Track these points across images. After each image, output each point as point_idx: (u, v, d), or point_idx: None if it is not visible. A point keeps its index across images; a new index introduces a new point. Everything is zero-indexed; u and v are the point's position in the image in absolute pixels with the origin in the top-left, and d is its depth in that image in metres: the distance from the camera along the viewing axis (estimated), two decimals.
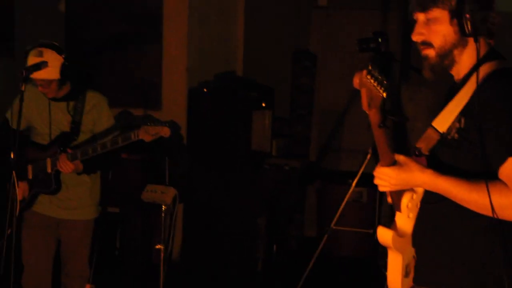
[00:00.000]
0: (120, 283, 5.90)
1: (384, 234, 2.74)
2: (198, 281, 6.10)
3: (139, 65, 6.34)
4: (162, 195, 4.67)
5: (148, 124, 4.41)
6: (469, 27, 2.59)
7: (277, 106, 6.86)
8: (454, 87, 2.70)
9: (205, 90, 6.29)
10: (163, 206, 4.66)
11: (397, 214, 2.76)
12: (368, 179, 5.11)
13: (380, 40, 4.75)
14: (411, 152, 2.71)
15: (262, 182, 6.50)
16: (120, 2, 6.37)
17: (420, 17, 2.68)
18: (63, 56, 4.33)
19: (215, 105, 6.27)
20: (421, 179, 2.59)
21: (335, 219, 5.03)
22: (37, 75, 4.24)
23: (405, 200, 2.72)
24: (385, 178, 2.64)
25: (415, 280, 2.79)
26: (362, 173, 5.17)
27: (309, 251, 6.04)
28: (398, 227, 2.74)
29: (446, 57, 2.67)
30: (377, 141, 2.64)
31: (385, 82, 2.50)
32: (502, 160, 2.50)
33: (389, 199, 2.82)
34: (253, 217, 6.39)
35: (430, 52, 2.69)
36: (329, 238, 5.22)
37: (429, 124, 2.71)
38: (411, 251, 2.78)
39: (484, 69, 2.61)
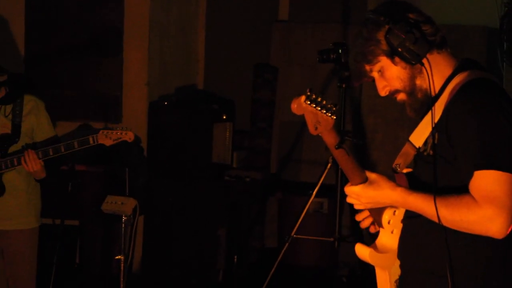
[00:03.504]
0: None
1: (361, 251, 2.76)
2: None
3: (100, 78, 6.35)
4: (122, 206, 4.66)
5: (109, 128, 4.35)
6: (409, 57, 2.60)
7: (238, 119, 6.90)
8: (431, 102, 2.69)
9: (165, 103, 6.32)
10: (123, 217, 4.66)
11: (381, 230, 2.77)
12: (329, 190, 5.20)
13: (340, 51, 4.84)
14: (392, 167, 2.71)
15: (223, 194, 6.53)
16: (81, 15, 6.39)
17: (374, 74, 2.71)
18: None
19: (176, 118, 6.30)
20: (392, 197, 2.58)
21: (295, 228, 5.06)
22: None
23: (386, 217, 2.72)
24: (355, 197, 2.64)
25: None
26: (323, 183, 5.21)
27: (269, 262, 6.07)
28: (382, 244, 2.76)
29: (414, 91, 2.68)
30: (339, 162, 2.63)
31: (329, 105, 2.46)
32: (470, 175, 2.48)
33: (358, 218, 2.84)
34: (213, 229, 6.41)
35: (402, 96, 2.70)
36: (290, 248, 5.25)
37: (406, 139, 2.72)
38: (397, 265, 2.78)
39: (455, 81, 2.61)
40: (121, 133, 4.40)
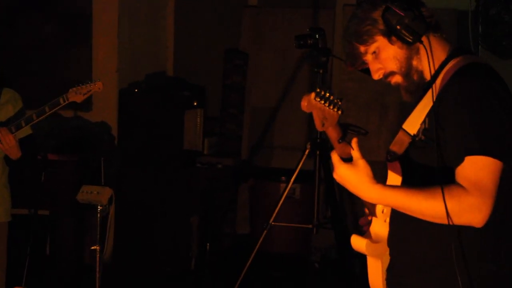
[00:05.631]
0: (54, 285, 5.84)
1: (358, 243, 2.72)
2: (131, 281, 6.08)
3: (69, 65, 6.28)
4: (98, 195, 4.62)
5: (77, 85, 4.29)
6: (407, 35, 2.55)
7: (209, 105, 6.87)
8: (425, 88, 2.64)
9: (136, 90, 6.28)
10: (98, 207, 4.61)
11: (374, 220, 2.74)
12: (301, 175, 5.19)
13: (317, 36, 4.82)
14: (385, 156, 2.65)
15: (195, 181, 6.50)
16: (49, 2, 6.30)
17: (368, 57, 2.65)
18: None
19: (146, 105, 6.27)
20: (368, 192, 2.48)
21: (273, 215, 5.03)
22: None
23: (380, 206, 2.69)
24: (334, 166, 2.52)
25: (386, 281, 2.75)
26: (294, 169, 5.20)
27: (242, 248, 6.06)
28: (375, 233, 2.73)
29: (410, 73, 2.62)
30: (339, 153, 2.54)
31: (336, 100, 2.45)
32: (460, 160, 2.42)
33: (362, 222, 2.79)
34: (186, 216, 6.39)
35: (397, 78, 2.65)
36: (262, 234, 5.24)
37: (399, 127, 2.67)
38: (388, 253, 2.76)
39: (449, 66, 2.57)
40: (90, 85, 4.34)
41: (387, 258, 2.75)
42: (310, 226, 5.07)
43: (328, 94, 2.46)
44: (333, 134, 2.55)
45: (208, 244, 6.53)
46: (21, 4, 6.34)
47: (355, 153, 2.50)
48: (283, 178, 6.52)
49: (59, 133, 6.08)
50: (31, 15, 6.31)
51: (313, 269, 6.63)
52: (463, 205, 2.38)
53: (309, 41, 4.77)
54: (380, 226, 2.73)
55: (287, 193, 5.09)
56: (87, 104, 6.21)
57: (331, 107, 2.46)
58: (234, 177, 6.99)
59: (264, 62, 7.30)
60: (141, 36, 6.59)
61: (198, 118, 6.58)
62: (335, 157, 2.52)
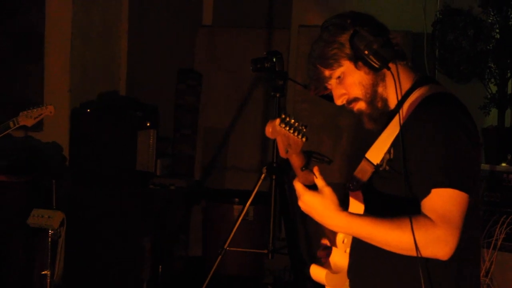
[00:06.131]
0: None
1: (317, 273, 2.68)
2: None
3: (20, 85, 6.17)
4: (49, 219, 4.54)
5: (28, 108, 4.21)
6: (374, 61, 2.49)
7: (162, 126, 6.81)
8: (389, 117, 2.60)
9: (88, 110, 6.19)
10: (50, 231, 4.52)
11: (334, 249, 2.69)
12: (255, 197, 5.17)
13: (274, 59, 4.80)
14: (346, 185, 2.61)
15: (147, 202, 6.43)
16: (1, 19, 6.20)
17: (332, 82, 2.60)
18: None
19: (99, 125, 6.18)
20: (334, 220, 2.42)
21: (228, 240, 5.00)
22: None
23: (341, 235, 2.65)
24: (298, 193, 2.46)
25: None
26: (248, 190, 5.17)
27: (194, 270, 6.00)
28: (335, 263, 2.69)
29: (375, 100, 2.58)
30: (301, 181, 2.49)
31: (301, 127, 2.42)
32: (426, 192, 2.39)
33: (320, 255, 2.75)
34: (138, 238, 6.31)
35: (361, 105, 2.60)
36: (215, 257, 5.20)
37: (362, 156, 2.63)
38: (347, 284, 2.72)
39: (415, 96, 2.54)
40: (41, 109, 4.28)
41: None
42: (265, 251, 5.04)
43: (293, 121, 2.42)
44: (296, 161, 2.50)
45: (160, 266, 6.46)
46: None
47: (320, 181, 2.45)
48: (236, 199, 6.49)
49: (8, 153, 5.98)
50: None
51: None
52: (430, 237, 2.34)
53: (266, 64, 4.75)
54: (340, 257, 2.69)
55: (241, 214, 5.07)
56: (38, 124, 6.11)
57: (296, 133, 2.42)
58: (186, 198, 6.93)
59: (218, 82, 7.27)
60: (94, 56, 6.51)
61: (151, 139, 6.51)
62: (299, 185, 2.47)
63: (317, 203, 2.43)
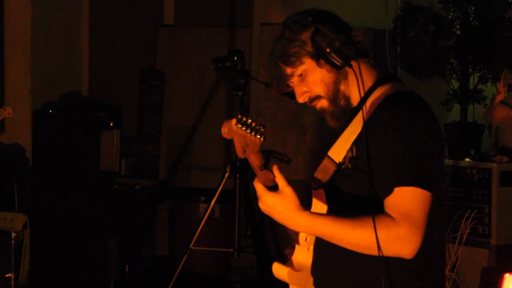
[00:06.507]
0: None
1: (279, 271, 2.67)
2: None
3: None
4: (11, 222, 4.51)
5: None
6: (336, 58, 2.48)
7: (125, 126, 6.79)
8: (351, 115, 2.59)
9: (50, 111, 6.16)
10: (13, 234, 4.49)
11: (297, 247, 2.69)
12: (220, 196, 5.18)
13: (235, 58, 4.80)
14: (308, 183, 2.60)
15: (112, 203, 6.41)
16: None
17: (294, 80, 2.59)
18: None
19: (61, 126, 6.16)
20: (295, 220, 2.40)
21: (194, 239, 4.99)
22: None
23: (304, 234, 2.65)
24: (258, 194, 2.46)
25: None
26: (214, 189, 5.18)
27: (161, 270, 5.99)
28: (298, 261, 2.68)
29: (337, 98, 2.57)
30: (260, 180, 2.48)
31: (258, 127, 2.42)
32: (389, 191, 2.38)
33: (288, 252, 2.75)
34: (103, 239, 6.29)
35: (323, 103, 2.59)
36: (182, 255, 5.19)
37: (325, 154, 2.61)
38: (311, 282, 2.70)
39: (377, 93, 2.54)
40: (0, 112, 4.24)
41: (310, 286, 2.70)
42: (231, 250, 5.04)
43: (250, 121, 2.42)
44: (255, 161, 2.49)
45: (127, 266, 6.44)
46: None
47: (281, 181, 2.45)
48: (202, 198, 6.48)
49: None
50: None
51: None
52: (392, 235, 2.34)
53: (227, 63, 4.75)
54: (303, 254, 2.69)
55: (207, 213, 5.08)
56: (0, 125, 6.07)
57: (253, 133, 2.41)
58: (152, 198, 6.91)
59: (181, 81, 7.25)
60: (55, 56, 6.47)
61: (115, 139, 6.48)
62: (259, 186, 2.46)
63: (277, 203, 2.42)
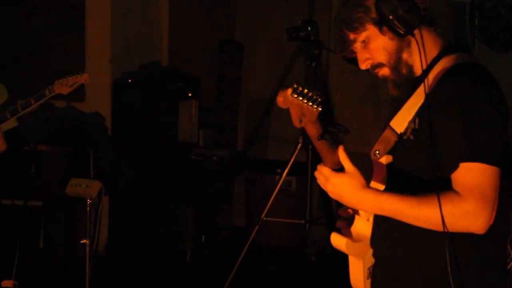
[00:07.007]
0: (44, 278, 5.79)
1: (337, 241, 2.64)
2: (125, 274, 6.03)
3: (62, 56, 6.21)
4: (87, 189, 4.56)
5: (63, 76, 4.24)
6: (399, 26, 2.44)
7: (204, 96, 6.81)
8: (415, 85, 2.54)
9: (129, 81, 6.22)
10: (88, 200, 4.55)
11: (356, 218, 2.65)
12: (297, 168, 5.15)
13: (309, 28, 4.75)
14: (371, 153, 2.55)
15: (190, 173, 6.45)
16: None
17: (357, 46, 2.56)
18: None
19: (140, 96, 6.20)
20: (360, 198, 2.39)
21: (265, 211, 4.98)
22: None
23: None
24: (323, 178, 2.43)
25: (371, 283, 2.67)
26: (288, 163, 5.15)
27: (238, 241, 5.99)
28: (357, 231, 2.65)
29: (399, 66, 2.52)
30: (319, 151, 2.50)
31: (315, 97, 2.38)
32: (455, 166, 2.34)
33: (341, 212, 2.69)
34: (180, 208, 6.34)
35: (385, 71, 2.54)
36: (258, 227, 5.19)
37: (387, 124, 2.57)
38: (370, 253, 2.68)
39: (442, 64, 2.48)
40: (76, 77, 4.29)
41: (369, 258, 2.67)
42: (303, 221, 5.02)
43: (306, 90, 2.38)
44: (312, 131, 2.47)
45: (203, 236, 6.48)
46: None
47: (347, 163, 2.42)
48: (278, 170, 6.46)
49: (51, 124, 6.03)
50: (23, 5, 6.24)
51: (309, 262, 6.58)
52: (458, 211, 2.30)
53: (301, 34, 4.70)
54: (362, 225, 2.65)
55: (283, 185, 5.06)
56: (80, 94, 6.16)
57: (310, 103, 2.38)
58: (229, 169, 6.93)
59: (260, 53, 7.23)
60: (135, 27, 6.53)
61: (193, 110, 6.51)
62: (325, 169, 2.42)
63: (345, 184, 2.39)
